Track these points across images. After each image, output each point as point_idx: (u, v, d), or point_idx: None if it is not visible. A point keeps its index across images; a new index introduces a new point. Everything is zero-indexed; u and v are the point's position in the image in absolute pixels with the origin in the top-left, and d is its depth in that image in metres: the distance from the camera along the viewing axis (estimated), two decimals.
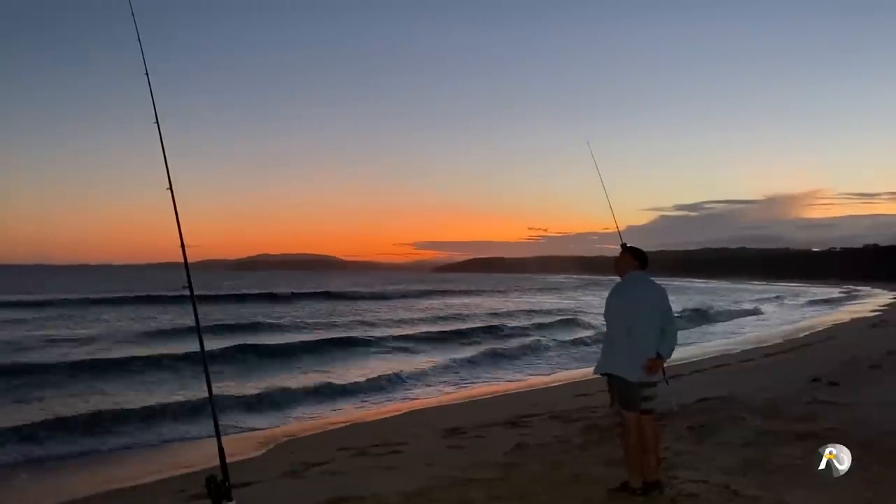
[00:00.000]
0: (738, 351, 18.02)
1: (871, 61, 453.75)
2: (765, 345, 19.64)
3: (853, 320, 30.16)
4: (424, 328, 24.98)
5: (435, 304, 42.35)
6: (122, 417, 9.83)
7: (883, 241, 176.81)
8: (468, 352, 17.77)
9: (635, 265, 5.06)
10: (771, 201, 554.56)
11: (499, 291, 65.61)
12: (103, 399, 11.26)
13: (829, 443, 6.20)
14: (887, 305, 44.36)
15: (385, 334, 22.76)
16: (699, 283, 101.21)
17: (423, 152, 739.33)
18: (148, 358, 15.06)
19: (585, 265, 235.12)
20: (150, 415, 10.05)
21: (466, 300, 48.67)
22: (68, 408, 10.25)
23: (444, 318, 30.41)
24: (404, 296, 51.49)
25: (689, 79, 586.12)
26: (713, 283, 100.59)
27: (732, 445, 6.32)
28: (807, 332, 23.81)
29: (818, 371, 11.50)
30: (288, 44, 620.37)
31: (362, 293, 51.80)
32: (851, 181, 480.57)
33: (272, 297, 43.59)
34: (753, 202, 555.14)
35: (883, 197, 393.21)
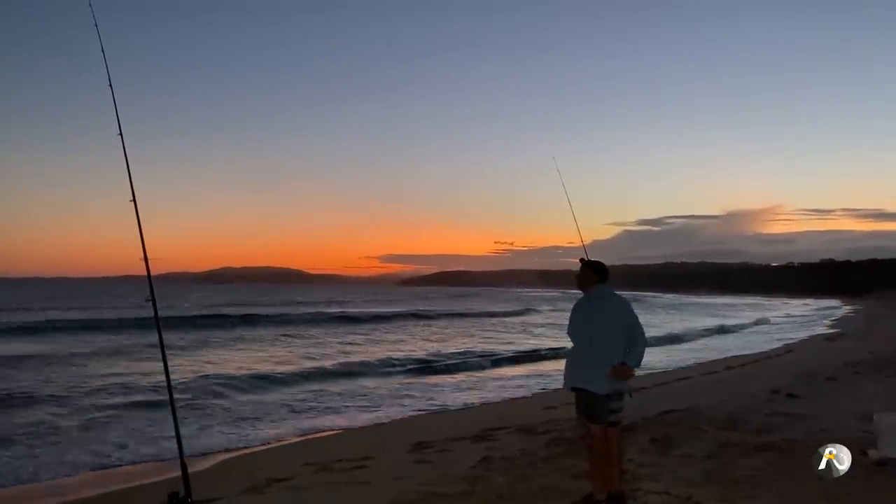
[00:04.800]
0: (700, 363, 18.31)
1: (828, 81, 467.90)
2: (726, 357, 20.00)
3: (810, 334, 30.90)
4: None
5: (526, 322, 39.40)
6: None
7: (838, 256, 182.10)
8: None
9: (595, 279, 5.12)
10: (730, 217, 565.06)
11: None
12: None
13: (788, 454, 6.37)
14: (842, 318, 45.58)
15: None
16: (667, 298, 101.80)
17: (390, 166, 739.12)
18: None
19: (551, 279, 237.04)
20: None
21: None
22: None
23: None
24: (465, 314, 46.87)
25: (652, 97, 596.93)
26: (691, 299, 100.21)
27: (694, 457, 6.41)
28: (765, 347, 24.28)
29: (777, 383, 11.75)
30: (255, 58, 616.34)
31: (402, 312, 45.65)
32: (808, 197, 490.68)
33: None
34: (713, 217, 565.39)
35: (838, 213, 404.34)
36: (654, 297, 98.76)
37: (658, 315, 48.27)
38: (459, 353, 21.23)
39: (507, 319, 43.05)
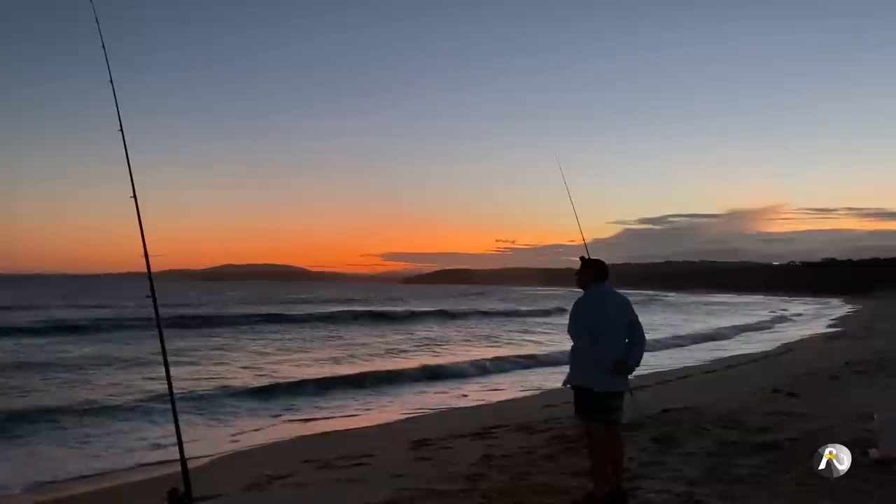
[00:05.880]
0: (701, 363, 18.28)
1: (830, 81, 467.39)
2: (726, 355, 19.97)
3: (811, 333, 30.87)
4: None
5: None
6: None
7: (840, 255, 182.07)
8: None
9: (595, 278, 5.11)
10: (732, 216, 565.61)
11: None
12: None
13: (789, 453, 6.36)
14: (844, 317, 45.54)
15: None
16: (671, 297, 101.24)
17: (392, 164, 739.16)
18: None
19: (553, 278, 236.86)
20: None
21: None
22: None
23: None
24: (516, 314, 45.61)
25: (654, 96, 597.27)
26: (695, 298, 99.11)
27: (695, 456, 6.40)
28: (766, 346, 24.24)
29: (778, 382, 11.74)
30: (258, 56, 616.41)
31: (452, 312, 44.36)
32: (810, 196, 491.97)
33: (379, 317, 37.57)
34: (715, 216, 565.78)
35: (840, 212, 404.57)
36: (665, 296, 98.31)
37: (674, 314, 48.64)
38: (501, 358, 19.76)
39: (538, 319, 42.31)
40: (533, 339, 28.02)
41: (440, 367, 17.02)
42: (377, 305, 53.30)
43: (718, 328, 32.94)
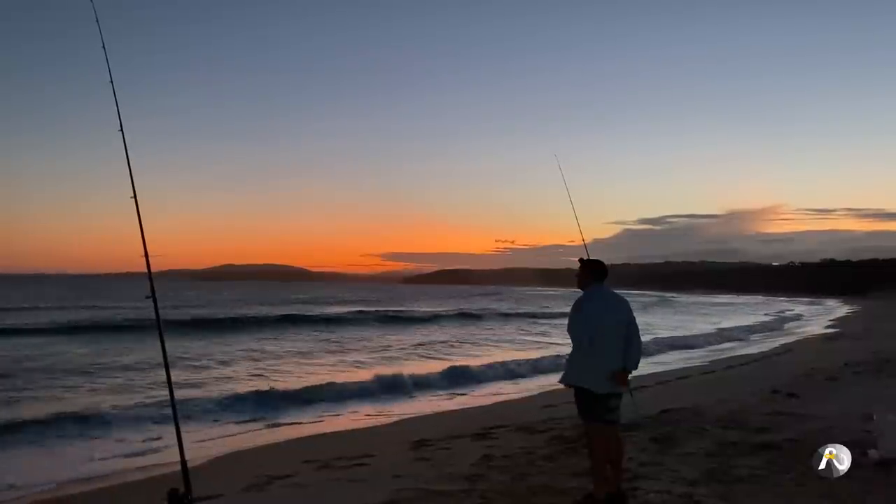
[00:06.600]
0: (701, 363, 18.28)
1: (829, 81, 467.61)
2: (725, 356, 19.98)
3: (810, 333, 30.88)
4: None
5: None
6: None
7: (839, 256, 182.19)
8: None
9: (594, 278, 5.12)
10: (731, 216, 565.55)
11: None
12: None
13: (788, 453, 6.37)
14: (843, 318, 45.57)
15: None
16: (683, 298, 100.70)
17: (392, 164, 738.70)
18: None
19: (552, 278, 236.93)
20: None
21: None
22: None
23: None
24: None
25: (654, 96, 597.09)
26: (697, 298, 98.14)
27: (695, 456, 6.41)
28: (765, 346, 24.22)
29: (777, 383, 11.73)
30: (257, 55, 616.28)
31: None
32: (809, 197, 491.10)
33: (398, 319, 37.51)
34: (714, 217, 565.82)
35: (839, 213, 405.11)
36: (673, 297, 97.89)
37: (682, 315, 48.98)
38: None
39: (548, 321, 40.68)
40: (541, 339, 28.02)
41: (446, 368, 16.87)
42: (381, 306, 53.02)
43: (731, 329, 32.55)
